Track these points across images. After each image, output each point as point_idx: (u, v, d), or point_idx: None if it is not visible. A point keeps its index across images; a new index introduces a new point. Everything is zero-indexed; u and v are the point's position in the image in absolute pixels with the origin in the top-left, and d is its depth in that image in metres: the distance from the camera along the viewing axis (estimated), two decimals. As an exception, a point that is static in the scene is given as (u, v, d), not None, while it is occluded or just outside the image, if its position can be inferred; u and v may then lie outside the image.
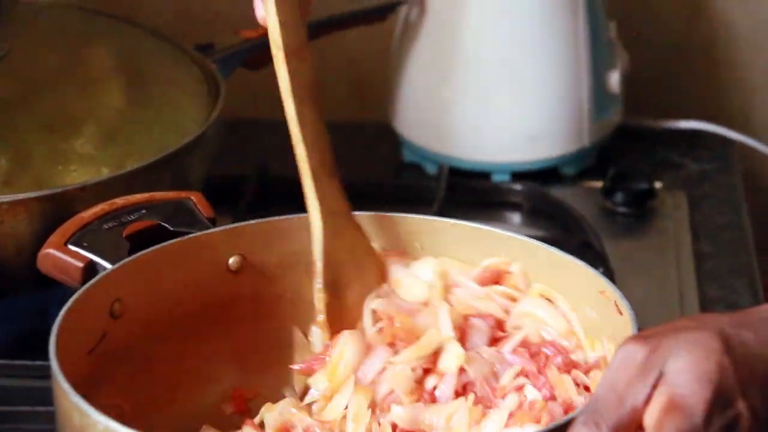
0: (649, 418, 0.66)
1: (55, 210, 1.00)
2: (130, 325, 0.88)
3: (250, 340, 0.93)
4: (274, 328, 0.94)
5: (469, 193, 1.26)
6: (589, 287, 0.85)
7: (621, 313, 0.81)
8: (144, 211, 0.93)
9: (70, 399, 0.76)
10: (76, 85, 1.19)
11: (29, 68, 1.18)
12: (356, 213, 0.93)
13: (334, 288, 0.89)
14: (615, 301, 0.82)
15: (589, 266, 0.86)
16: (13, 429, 0.95)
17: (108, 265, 0.88)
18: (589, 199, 1.28)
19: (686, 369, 0.66)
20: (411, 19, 1.29)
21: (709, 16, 1.43)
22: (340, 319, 0.89)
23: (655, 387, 0.67)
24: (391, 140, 1.36)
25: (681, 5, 1.44)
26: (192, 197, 0.94)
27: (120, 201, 0.93)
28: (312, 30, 1.27)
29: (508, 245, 0.90)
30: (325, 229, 0.88)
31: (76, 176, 1.07)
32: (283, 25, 0.95)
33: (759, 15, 1.42)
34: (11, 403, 0.97)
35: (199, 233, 0.91)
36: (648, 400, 0.67)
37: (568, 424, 0.69)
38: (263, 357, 0.92)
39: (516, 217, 1.25)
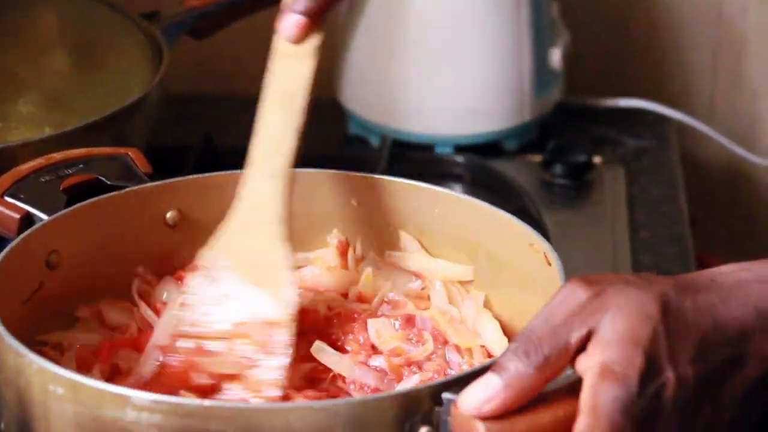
0: (581, 366, 0.66)
1: None
2: (67, 276, 0.87)
3: None
4: None
5: (411, 164, 1.25)
6: (520, 240, 0.85)
7: (550, 264, 0.81)
8: (82, 166, 0.92)
9: (4, 340, 0.75)
10: (21, 49, 1.17)
11: None
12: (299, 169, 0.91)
13: None
14: (544, 253, 0.82)
15: (518, 220, 0.86)
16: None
17: (44, 217, 0.86)
18: (529, 172, 1.28)
19: (621, 331, 0.66)
20: None
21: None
22: None
23: (590, 335, 0.66)
24: (337, 114, 1.35)
25: None
26: (130, 153, 0.93)
27: (58, 156, 0.92)
28: (251, 3, 1.28)
29: (441, 200, 0.89)
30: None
31: (17, 135, 1.05)
32: None
33: (702, 3, 1.42)
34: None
35: (135, 187, 0.90)
36: (580, 343, 0.66)
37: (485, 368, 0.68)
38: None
39: (457, 189, 1.23)
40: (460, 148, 1.27)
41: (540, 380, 0.66)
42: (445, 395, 0.70)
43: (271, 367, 0.80)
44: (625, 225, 1.19)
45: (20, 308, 0.84)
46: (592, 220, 1.21)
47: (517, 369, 0.66)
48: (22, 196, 0.89)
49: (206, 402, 0.74)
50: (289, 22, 0.88)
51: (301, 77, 0.89)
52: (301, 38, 0.88)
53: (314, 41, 0.90)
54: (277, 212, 0.85)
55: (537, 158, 1.29)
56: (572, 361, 0.67)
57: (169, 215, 0.91)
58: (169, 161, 1.16)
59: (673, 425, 0.66)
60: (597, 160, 1.29)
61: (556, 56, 1.31)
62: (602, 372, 0.65)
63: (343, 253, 0.91)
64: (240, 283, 0.84)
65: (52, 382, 0.73)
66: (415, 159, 1.27)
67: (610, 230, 1.19)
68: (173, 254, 0.92)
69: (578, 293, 0.68)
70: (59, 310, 0.87)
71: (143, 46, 1.17)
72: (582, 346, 0.66)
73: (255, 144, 0.88)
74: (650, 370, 0.66)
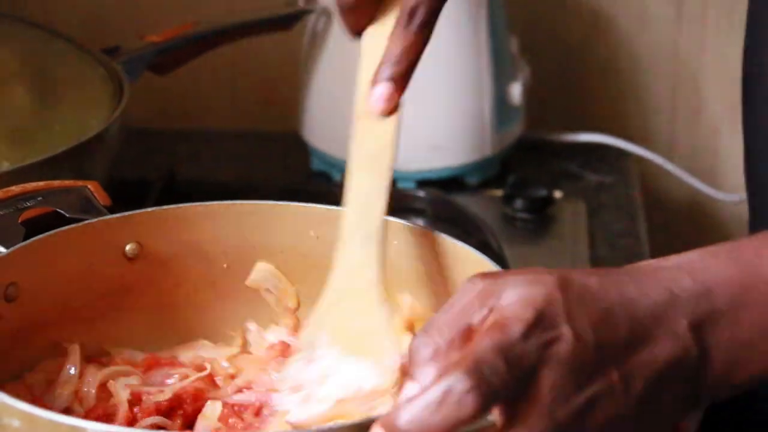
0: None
1: None
2: (26, 309, 0.87)
3: (147, 328, 0.92)
4: (170, 318, 0.93)
5: (373, 199, 1.25)
6: (475, 269, 0.83)
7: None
8: (40, 199, 0.91)
9: None
10: None
11: None
12: (254, 202, 0.91)
13: None
14: None
15: (474, 249, 0.86)
16: None
17: (2, 249, 0.86)
18: (490, 206, 1.29)
19: (516, 297, 0.66)
20: (318, 28, 1.29)
21: (608, 36, 1.45)
22: None
23: (490, 312, 0.67)
24: (300, 149, 1.36)
25: (581, 23, 1.45)
26: (89, 186, 0.92)
27: (16, 188, 0.91)
28: (218, 36, 1.29)
29: (400, 232, 0.89)
30: None
31: (-25, 170, 1.05)
32: None
33: (657, 37, 1.43)
34: None
35: (94, 219, 0.89)
36: (481, 324, 0.66)
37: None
38: (160, 344, 0.91)
39: (419, 223, 1.23)
40: (422, 183, 1.27)
41: (442, 363, 0.65)
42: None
43: None
44: (586, 259, 1.20)
45: None
46: (553, 253, 1.22)
47: (418, 352, 0.66)
48: None
49: None
50: (378, 93, 0.85)
51: (384, 138, 0.86)
52: (391, 109, 0.86)
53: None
54: (374, 276, 0.82)
55: (498, 192, 1.29)
56: None
57: (128, 248, 0.90)
58: (131, 195, 1.16)
59: (571, 379, 0.66)
60: (558, 194, 1.29)
61: (516, 91, 1.32)
62: (490, 325, 0.66)
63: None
64: (339, 357, 0.81)
65: (8, 415, 0.72)
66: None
67: (571, 264, 1.19)
68: (132, 287, 0.91)
69: (476, 283, 0.68)
70: (19, 342, 0.86)
71: (104, 81, 1.17)
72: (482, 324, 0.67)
73: (345, 211, 0.85)
74: (540, 322, 0.66)
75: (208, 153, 1.40)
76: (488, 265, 0.84)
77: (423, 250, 0.90)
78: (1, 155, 1.10)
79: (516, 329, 0.65)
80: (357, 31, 0.88)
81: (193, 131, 1.44)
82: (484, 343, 0.64)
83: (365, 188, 0.84)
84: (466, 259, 0.87)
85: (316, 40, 1.29)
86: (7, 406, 0.72)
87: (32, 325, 0.87)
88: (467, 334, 0.67)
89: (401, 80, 0.85)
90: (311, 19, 1.30)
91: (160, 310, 0.93)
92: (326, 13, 1.29)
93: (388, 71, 0.84)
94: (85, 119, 1.13)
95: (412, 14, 0.84)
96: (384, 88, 0.84)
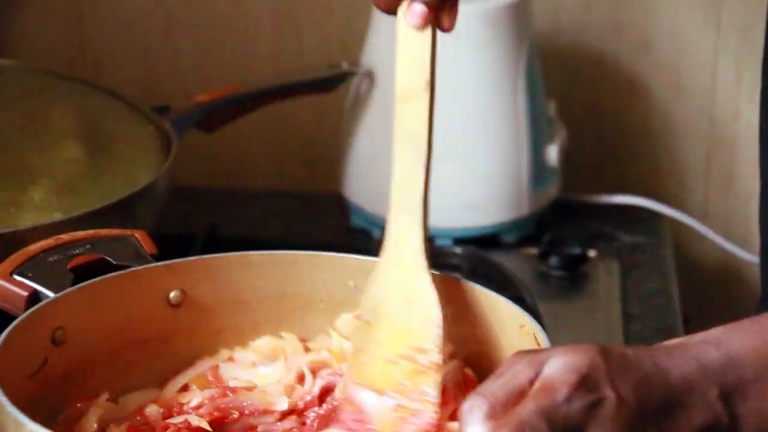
0: None
1: (6, 248, 0.97)
2: (73, 352, 0.87)
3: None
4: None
5: (411, 255, 1.24)
6: (512, 321, 0.86)
7: (539, 344, 0.82)
8: (89, 246, 0.92)
9: (5, 409, 0.74)
10: (35, 139, 1.17)
11: None
12: (293, 252, 0.93)
13: None
14: (534, 334, 0.83)
15: (510, 301, 0.86)
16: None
17: (51, 294, 0.87)
18: (526, 263, 1.28)
19: (561, 362, 0.68)
20: (361, 90, 1.29)
21: (644, 102, 1.43)
22: None
23: (536, 377, 0.68)
24: (341, 209, 1.35)
25: (617, 90, 1.44)
26: (136, 234, 0.93)
27: (66, 236, 0.92)
28: (263, 97, 1.30)
29: (440, 284, 0.89)
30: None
31: (28, 220, 1.05)
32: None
33: (692, 104, 1.42)
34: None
35: (140, 267, 0.90)
36: (530, 387, 0.68)
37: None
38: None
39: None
40: (459, 240, 1.27)
41: (493, 423, 0.67)
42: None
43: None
44: (619, 316, 1.19)
45: (25, 382, 0.83)
46: (587, 311, 1.21)
47: (471, 409, 0.68)
48: (30, 274, 0.89)
49: None
50: (415, 10, 0.86)
51: (421, 116, 0.89)
52: (423, 24, 0.86)
53: (425, 79, 0.89)
54: (419, 243, 0.87)
55: (533, 250, 1.29)
56: None
57: (172, 295, 0.91)
58: (174, 248, 1.16)
59: None
60: (592, 253, 1.28)
61: (553, 153, 1.31)
62: (537, 387, 0.68)
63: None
64: (391, 316, 0.86)
65: None
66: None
67: (604, 321, 1.18)
68: (175, 333, 0.91)
69: (523, 356, 0.70)
70: (65, 384, 0.86)
71: (154, 137, 1.18)
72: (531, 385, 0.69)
73: (392, 186, 0.90)
74: (584, 385, 0.67)
75: (250, 211, 1.40)
76: (522, 316, 0.85)
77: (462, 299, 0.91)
78: (52, 206, 1.10)
79: (561, 392, 0.66)
80: (391, 8, 0.87)
81: (236, 189, 1.44)
82: (529, 406, 0.66)
83: (407, 163, 0.89)
84: (498, 309, 0.88)
85: (359, 102, 1.29)
86: None
87: (76, 369, 0.87)
88: (516, 398, 0.68)
89: (434, 5, 0.85)
90: (354, 81, 1.30)
91: (200, 355, 0.93)
92: (369, 75, 1.29)
93: None
94: (134, 173, 1.13)
95: None
96: (419, 7, 0.85)
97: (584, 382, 0.67)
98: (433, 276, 0.89)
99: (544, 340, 0.82)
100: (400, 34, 0.87)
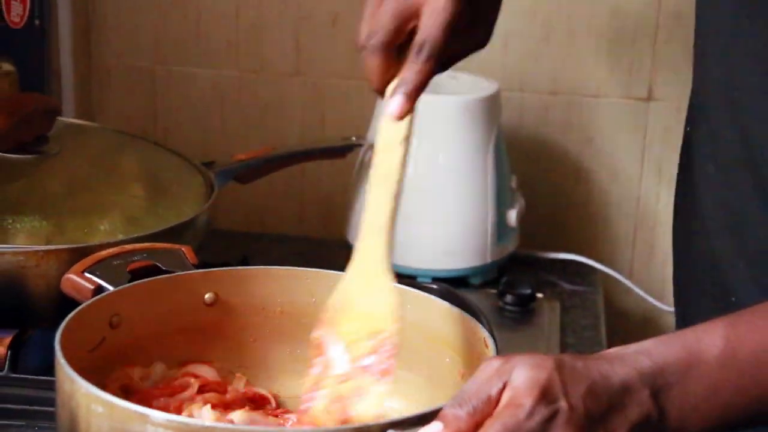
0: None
1: (77, 260, 0.94)
2: (125, 335, 0.86)
3: (221, 357, 0.90)
4: (237, 352, 0.91)
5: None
6: (466, 331, 0.85)
7: (487, 347, 0.81)
8: (145, 255, 0.91)
9: (64, 371, 0.73)
10: (109, 184, 1.17)
11: (73, 168, 1.16)
12: (307, 269, 0.90)
13: None
14: (483, 339, 0.82)
15: (467, 314, 0.85)
16: (46, 427, 0.92)
17: (111, 288, 0.86)
18: (487, 300, 1.25)
19: (525, 377, 0.67)
20: (365, 158, 1.27)
21: (587, 183, 1.42)
22: None
23: (504, 387, 0.68)
24: (348, 251, 1.31)
25: (566, 171, 1.43)
26: (183, 249, 0.92)
27: (128, 246, 0.92)
28: (289, 159, 1.28)
29: (409, 297, 0.88)
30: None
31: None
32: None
33: (625, 186, 1.40)
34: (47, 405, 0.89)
35: (183, 272, 0.89)
36: (499, 395, 0.67)
37: (434, 413, 0.68)
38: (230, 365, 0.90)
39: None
40: (436, 279, 1.24)
41: (471, 425, 0.67)
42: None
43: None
44: (558, 344, 1.17)
45: (87, 355, 0.82)
46: (533, 339, 1.19)
47: (454, 414, 0.67)
48: (97, 273, 0.88)
49: (209, 423, 0.73)
50: (394, 102, 0.82)
51: (395, 163, 0.84)
52: (402, 115, 0.83)
53: (402, 136, 0.84)
54: (382, 257, 0.82)
55: (494, 290, 1.26)
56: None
57: (207, 296, 0.89)
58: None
59: None
60: (539, 295, 1.26)
61: (512, 217, 1.30)
62: (506, 402, 0.67)
63: None
64: (356, 306, 0.82)
65: (94, 402, 0.71)
66: (402, 284, 1.22)
67: (546, 348, 1.16)
68: (207, 327, 0.89)
69: (493, 363, 0.69)
70: (117, 359, 0.85)
71: (200, 185, 1.17)
72: (499, 397, 0.68)
73: (364, 216, 0.84)
74: (544, 399, 0.66)
75: (275, 251, 1.37)
76: (476, 326, 0.84)
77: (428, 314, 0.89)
78: (117, 231, 1.10)
79: (524, 408, 0.66)
80: (382, 88, 0.84)
81: (265, 232, 1.42)
82: (496, 426, 0.66)
83: (379, 197, 0.83)
84: (457, 320, 0.87)
85: (364, 167, 1.27)
86: (93, 396, 0.71)
87: (128, 348, 0.86)
88: (487, 404, 0.68)
89: (412, 96, 0.82)
90: (361, 150, 1.28)
91: (228, 348, 0.90)
92: (371, 147, 1.27)
93: (402, 88, 0.82)
94: (182, 210, 1.12)
95: (419, 49, 0.81)
96: (399, 100, 0.82)
97: (544, 396, 0.66)
98: (413, 294, 0.87)
99: (491, 345, 0.80)
100: (384, 104, 0.84)
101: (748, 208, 0.85)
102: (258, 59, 1.41)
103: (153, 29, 1.43)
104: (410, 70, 0.81)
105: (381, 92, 0.84)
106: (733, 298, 0.87)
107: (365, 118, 1.29)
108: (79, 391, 0.72)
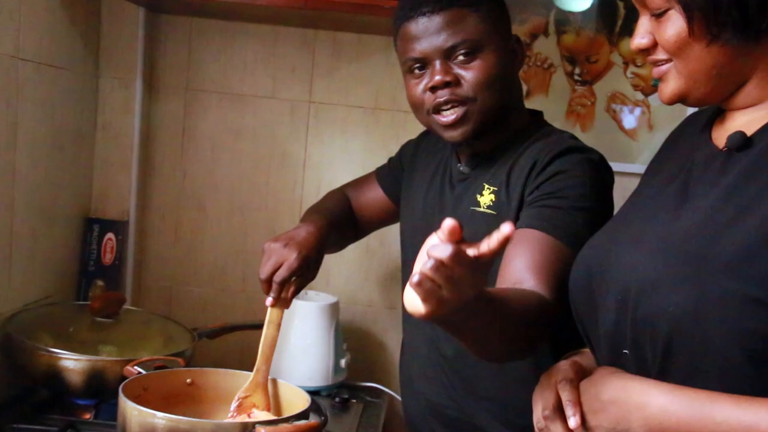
0: None
1: (122, 365, 1.36)
2: (150, 395, 1.28)
3: (194, 412, 1.30)
4: (203, 407, 1.32)
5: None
6: (303, 400, 1.25)
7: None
8: (159, 361, 1.36)
9: (129, 405, 1.14)
10: (140, 336, 1.55)
11: (129, 326, 1.56)
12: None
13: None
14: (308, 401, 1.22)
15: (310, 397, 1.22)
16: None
17: (144, 372, 1.31)
18: (328, 402, 1.63)
19: None
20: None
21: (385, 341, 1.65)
22: None
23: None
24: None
25: (377, 342, 1.74)
26: (179, 359, 1.37)
27: (154, 357, 1.38)
28: (241, 328, 1.61)
29: (285, 388, 1.29)
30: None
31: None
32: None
33: None
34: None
35: (177, 368, 1.33)
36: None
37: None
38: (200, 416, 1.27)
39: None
40: (306, 390, 1.36)
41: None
42: (259, 428, 1.03)
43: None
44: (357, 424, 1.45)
45: (131, 400, 1.19)
46: (349, 425, 1.46)
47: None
48: (136, 367, 1.33)
49: (203, 420, 1.12)
50: (269, 300, 1.20)
51: (273, 333, 1.24)
52: (273, 304, 1.19)
53: (278, 320, 1.20)
54: (264, 371, 1.22)
55: (334, 398, 1.62)
56: None
57: (188, 380, 1.31)
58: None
59: None
60: (353, 401, 1.61)
61: (343, 362, 1.69)
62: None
63: None
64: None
65: (131, 410, 1.11)
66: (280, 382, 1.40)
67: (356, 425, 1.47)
68: (189, 398, 1.31)
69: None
70: (144, 405, 1.19)
71: (188, 337, 1.56)
72: None
73: (260, 351, 1.23)
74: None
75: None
76: (308, 397, 1.20)
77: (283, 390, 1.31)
78: (120, 354, 1.47)
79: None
80: (272, 305, 1.20)
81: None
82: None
83: (265, 350, 1.26)
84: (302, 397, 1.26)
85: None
86: (131, 407, 1.11)
87: (150, 401, 1.23)
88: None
89: (279, 299, 1.20)
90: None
91: (198, 407, 1.31)
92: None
93: (273, 294, 1.23)
94: (180, 347, 1.50)
95: (278, 281, 1.21)
96: (269, 300, 1.24)
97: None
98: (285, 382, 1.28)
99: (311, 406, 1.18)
100: (267, 302, 1.26)
101: None
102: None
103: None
104: (276, 287, 1.30)
105: (267, 291, 1.27)
106: None
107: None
108: (126, 405, 1.17)
